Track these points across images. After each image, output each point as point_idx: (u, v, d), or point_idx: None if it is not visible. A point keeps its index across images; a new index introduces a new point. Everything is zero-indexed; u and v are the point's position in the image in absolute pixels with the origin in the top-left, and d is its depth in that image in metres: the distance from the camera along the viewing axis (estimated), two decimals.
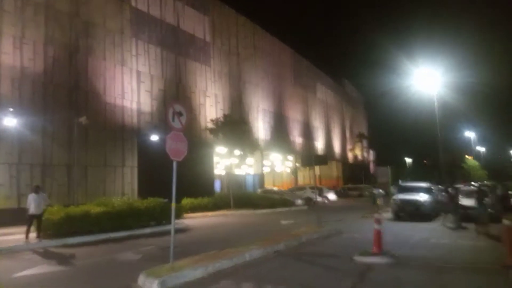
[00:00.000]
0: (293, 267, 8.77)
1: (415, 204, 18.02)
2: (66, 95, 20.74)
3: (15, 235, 13.55)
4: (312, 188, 31.62)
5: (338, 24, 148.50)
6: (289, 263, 9.11)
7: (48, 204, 13.85)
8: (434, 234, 13.78)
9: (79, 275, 8.39)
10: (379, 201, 23.66)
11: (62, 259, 10.31)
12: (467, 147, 66.64)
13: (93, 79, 22.15)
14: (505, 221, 8.98)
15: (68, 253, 11.07)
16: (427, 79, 25.82)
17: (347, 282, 7.25)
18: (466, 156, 63.91)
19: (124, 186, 23.21)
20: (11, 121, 17.23)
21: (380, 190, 36.05)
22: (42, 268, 9.18)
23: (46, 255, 11.20)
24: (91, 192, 21.09)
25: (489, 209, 15.03)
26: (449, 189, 17.27)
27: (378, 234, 9.50)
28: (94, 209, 14.73)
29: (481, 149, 71.57)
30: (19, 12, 19.09)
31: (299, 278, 7.67)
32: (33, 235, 12.91)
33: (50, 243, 12.63)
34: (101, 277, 8.20)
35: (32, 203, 12.89)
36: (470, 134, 62.16)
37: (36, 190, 13.32)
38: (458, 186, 19.94)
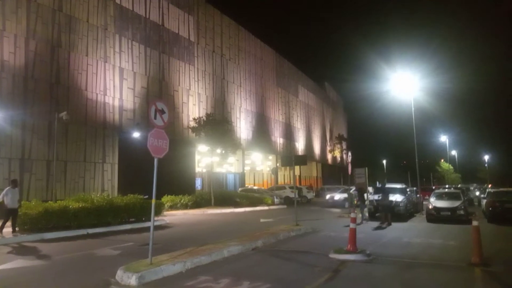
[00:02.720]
0: (270, 263, 8.99)
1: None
2: (47, 89, 20.53)
3: None
4: (291, 187, 32.04)
5: (320, 29, 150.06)
6: (267, 260, 9.33)
7: (19, 199, 13.72)
8: (407, 233, 14.26)
9: (56, 270, 8.35)
10: (356, 201, 24.10)
11: (39, 254, 10.22)
12: (441, 150, 68.45)
13: (74, 75, 21.98)
14: (474, 222, 9.35)
15: (45, 248, 11.01)
16: (404, 84, 26.53)
17: (321, 277, 7.53)
18: (442, 161, 65.69)
19: (104, 183, 23.10)
20: None
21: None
22: (18, 262, 9.07)
23: (23, 249, 11.06)
24: (70, 188, 20.95)
25: None
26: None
27: (353, 233, 9.84)
28: (73, 204, 14.64)
29: (455, 152, 73.55)
30: (0, 5, 18.82)
31: (275, 273, 7.89)
32: (8, 230, 12.79)
33: (27, 238, 12.54)
34: (78, 272, 8.18)
35: (10, 197, 12.81)
36: (444, 138, 63.74)
37: (14, 184, 13.28)
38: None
